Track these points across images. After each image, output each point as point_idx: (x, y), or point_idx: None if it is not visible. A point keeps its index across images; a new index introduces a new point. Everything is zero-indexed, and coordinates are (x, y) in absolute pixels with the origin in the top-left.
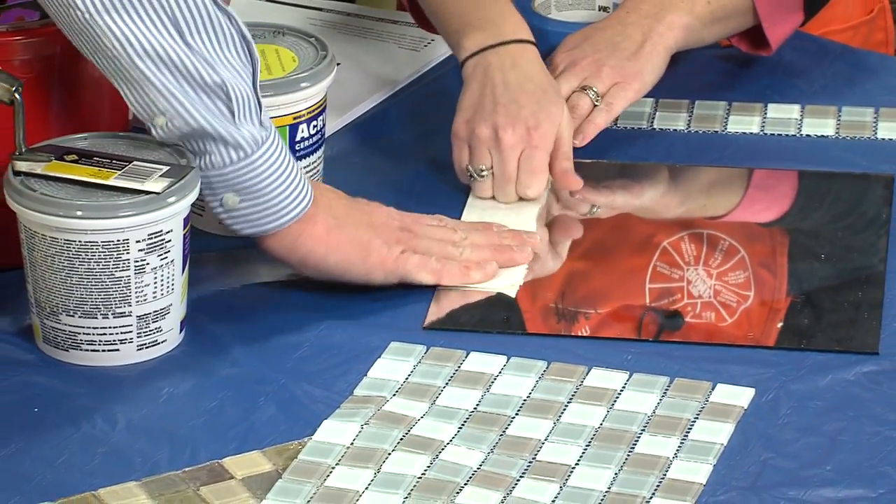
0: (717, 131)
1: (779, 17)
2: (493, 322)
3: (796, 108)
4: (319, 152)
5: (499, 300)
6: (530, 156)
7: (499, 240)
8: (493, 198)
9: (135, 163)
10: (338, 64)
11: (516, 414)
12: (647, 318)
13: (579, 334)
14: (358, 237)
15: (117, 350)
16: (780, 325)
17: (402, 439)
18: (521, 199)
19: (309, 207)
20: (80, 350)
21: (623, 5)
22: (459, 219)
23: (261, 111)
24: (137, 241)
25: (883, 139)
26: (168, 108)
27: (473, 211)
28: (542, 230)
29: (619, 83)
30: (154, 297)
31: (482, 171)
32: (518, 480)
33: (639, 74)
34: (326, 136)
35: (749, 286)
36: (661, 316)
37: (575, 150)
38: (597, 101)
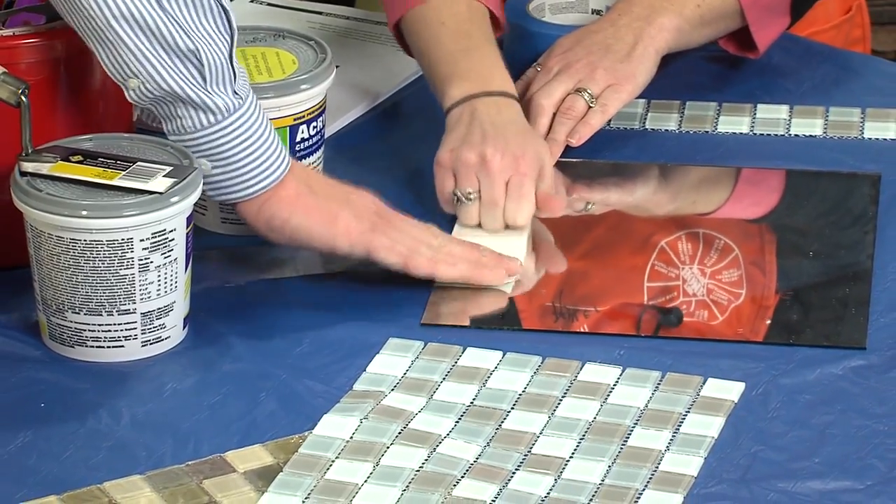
0: (707, 131)
1: (766, 20)
2: (489, 319)
3: (785, 108)
4: (319, 153)
5: (495, 297)
6: (518, 183)
7: (476, 256)
8: (479, 225)
9: (139, 163)
10: (337, 66)
11: (512, 408)
12: (645, 315)
13: (581, 329)
14: (327, 206)
15: (122, 346)
16: (768, 321)
17: (400, 433)
18: (507, 226)
19: (281, 178)
20: (86, 346)
21: (614, 8)
22: (456, 220)
23: (236, 80)
24: (141, 240)
25: (869, 139)
26: (141, 70)
27: (462, 235)
28: (529, 258)
29: (612, 85)
30: (158, 294)
31: (469, 194)
32: (514, 473)
33: (632, 76)
34: (326, 137)
35: (741, 284)
36: (660, 313)
37: (569, 149)
38: (591, 102)
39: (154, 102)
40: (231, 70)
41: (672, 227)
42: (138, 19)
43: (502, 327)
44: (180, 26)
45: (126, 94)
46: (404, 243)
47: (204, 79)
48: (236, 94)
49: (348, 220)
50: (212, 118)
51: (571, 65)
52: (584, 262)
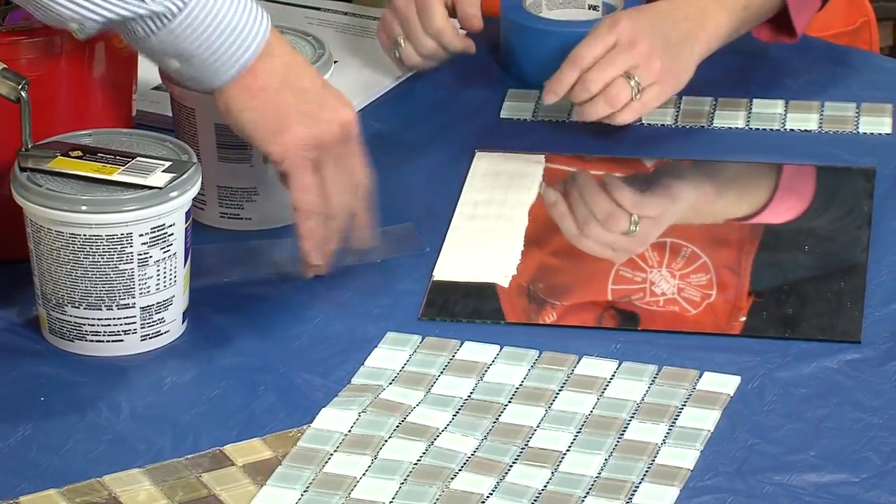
0: (703, 126)
1: (803, 3)
2: (486, 312)
3: (780, 103)
4: None
5: (491, 291)
6: None
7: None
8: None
9: (138, 158)
10: (335, 62)
11: (509, 402)
12: (606, 314)
13: (546, 321)
14: (286, 113)
15: (121, 340)
16: (742, 319)
17: (398, 427)
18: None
19: (249, 62)
20: (86, 340)
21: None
22: (453, 214)
23: None
24: (141, 235)
25: (864, 133)
26: (74, 16)
27: (458, 233)
28: (621, 214)
29: (658, 82)
30: (157, 288)
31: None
32: (511, 466)
33: (677, 78)
34: None
35: (711, 286)
36: (620, 315)
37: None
38: (635, 93)
39: (100, 29)
40: None
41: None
42: None
43: (499, 321)
44: None
45: (73, 34)
46: (313, 193)
47: None
48: None
49: (296, 134)
50: (159, 22)
51: (637, 43)
52: (555, 259)
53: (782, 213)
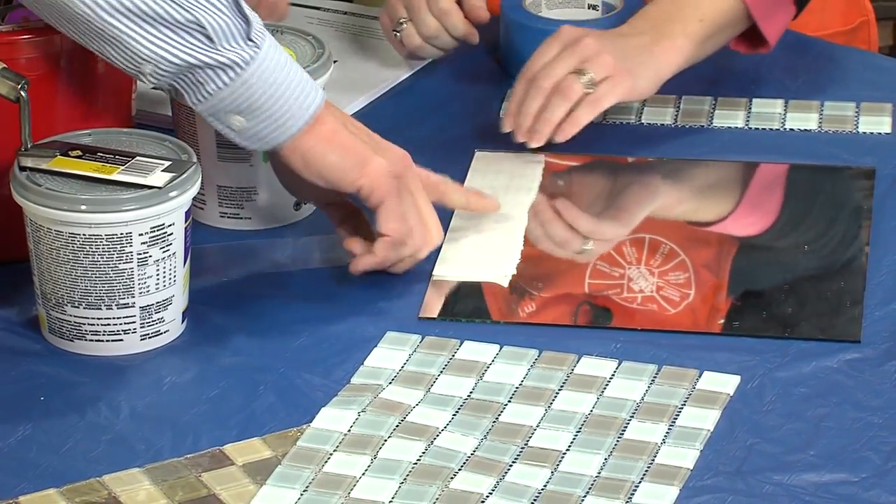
0: (703, 125)
1: (772, 12)
2: (472, 311)
3: (780, 102)
4: None
5: (508, 290)
6: None
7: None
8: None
9: (137, 158)
10: (335, 62)
11: (509, 401)
12: (581, 308)
13: (525, 311)
14: (363, 148)
15: (121, 340)
16: (721, 321)
17: (397, 426)
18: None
19: (316, 113)
20: (85, 340)
21: (620, 27)
22: (453, 214)
23: (248, 28)
24: (140, 235)
25: (864, 133)
26: (151, 55)
27: (458, 231)
28: (533, 221)
29: (613, 76)
30: (157, 288)
31: (402, 21)
32: (511, 466)
33: (633, 74)
34: None
35: (690, 286)
36: (594, 309)
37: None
38: (589, 88)
39: (173, 78)
40: (240, 21)
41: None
42: (131, 8)
43: (498, 320)
44: (176, 3)
45: (143, 80)
46: (401, 220)
47: (213, 41)
48: (251, 41)
49: (380, 164)
50: (232, 74)
51: (580, 41)
52: (537, 249)
53: (744, 226)
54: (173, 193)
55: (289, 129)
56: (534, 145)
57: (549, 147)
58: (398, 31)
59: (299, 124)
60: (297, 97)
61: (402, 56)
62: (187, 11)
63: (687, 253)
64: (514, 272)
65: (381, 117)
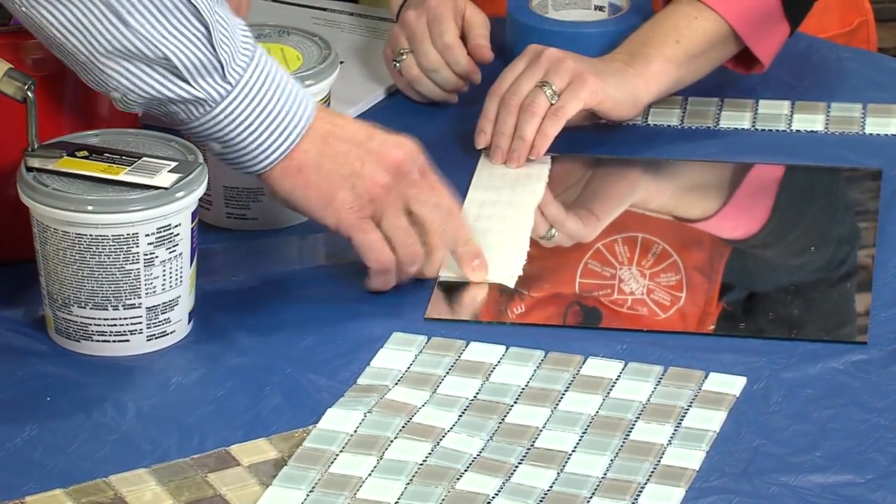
0: (709, 127)
1: (762, 33)
2: (492, 313)
3: (786, 104)
4: None
5: (498, 291)
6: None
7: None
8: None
9: (144, 158)
10: (341, 62)
11: (515, 402)
12: (571, 309)
13: (514, 312)
14: (328, 185)
15: (127, 341)
16: (711, 326)
17: (403, 427)
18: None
19: (290, 149)
20: (92, 341)
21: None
22: (464, 200)
23: (223, 67)
24: (147, 235)
25: (870, 134)
26: (118, 85)
27: (475, 194)
28: (541, 221)
29: (573, 82)
30: (163, 289)
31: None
32: (517, 467)
33: (599, 77)
34: None
35: (681, 288)
36: (583, 311)
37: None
38: (553, 99)
39: (144, 107)
40: (215, 60)
41: (611, 231)
42: (101, 40)
43: (505, 321)
44: (145, 38)
45: (114, 103)
46: (394, 237)
47: (183, 78)
48: (225, 79)
49: (343, 200)
50: (202, 109)
51: (543, 53)
52: (530, 248)
53: (731, 227)
54: (180, 194)
55: (259, 164)
56: (513, 167)
57: (556, 148)
58: (398, 62)
59: (268, 161)
60: (272, 134)
61: (400, 87)
62: (157, 48)
63: (679, 254)
64: (521, 273)
65: (387, 118)
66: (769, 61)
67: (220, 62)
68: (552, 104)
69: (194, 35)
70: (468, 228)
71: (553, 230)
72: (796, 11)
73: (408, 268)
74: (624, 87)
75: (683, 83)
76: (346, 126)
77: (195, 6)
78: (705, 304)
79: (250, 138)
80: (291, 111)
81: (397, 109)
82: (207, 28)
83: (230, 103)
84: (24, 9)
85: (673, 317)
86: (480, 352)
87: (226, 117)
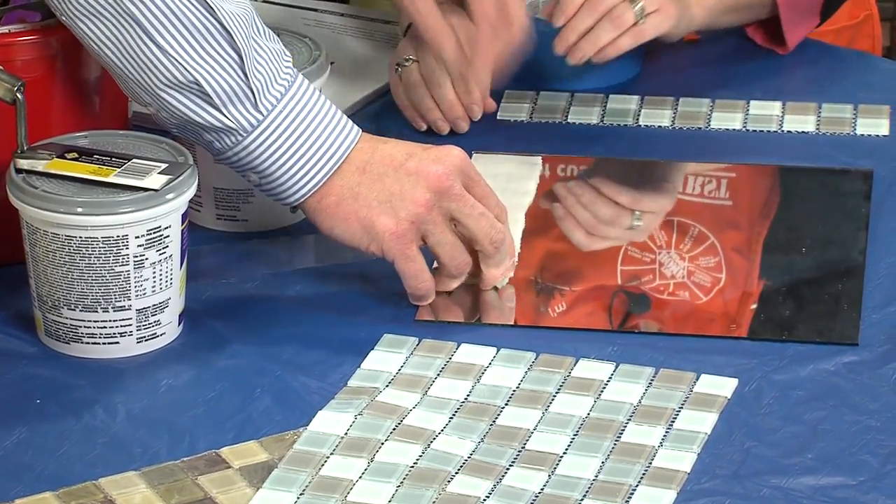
0: (700, 128)
1: (798, 19)
2: (483, 314)
3: (777, 105)
4: None
5: (489, 292)
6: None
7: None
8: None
9: (134, 160)
10: (331, 63)
11: (506, 404)
12: (616, 299)
13: (556, 310)
14: (367, 212)
15: (117, 343)
16: (753, 306)
17: (394, 429)
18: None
19: (324, 181)
20: (81, 343)
21: None
22: None
23: (255, 96)
24: (136, 237)
25: (862, 135)
26: (151, 102)
27: None
28: (622, 211)
29: (661, 10)
30: (153, 291)
31: (407, 59)
32: (508, 469)
33: (678, 14)
34: None
35: (720, 269)
36: (630, 298)
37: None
38: (639, 17)
39: (178, 128)
40: (247, 87)
41: None
42: (135, 62)
43: (495, 323)
44: (175, 60)
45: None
46: (421, 277)
47: (213, 105)
48: (257, 108)
49: (385, 226)
50: (233, 138)
51: None
52: (561, 244)
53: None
54: (170, 196)
55: (293, 195)
56: (571, 62)
57: (547, 149)
58: (400, 68)
59: (302, 192)
60: (305, 165)
61: (396, 97)
62: (188, 72)
63: (716, 236)
64: (511, 274)
65: (377, 119)
66: (793, 46)
67: (251, 90)
68: (636, 23)
69: (226, 61)
70: (512, 241)
71: (638, 216)
72: (830, 7)
73: (456, 280)
74: (686, 14)
75: (713, 28)
76: (385, 150)
77: (228, 32)
78: (746, 283)
79: (282, 169)
80: (327, 143)
81: (387, 110)
82: (240, 55)
83: (261, 133)
84: (65, 18)
85: (714, 298)
86: (471, 354)
87: (257, 147)
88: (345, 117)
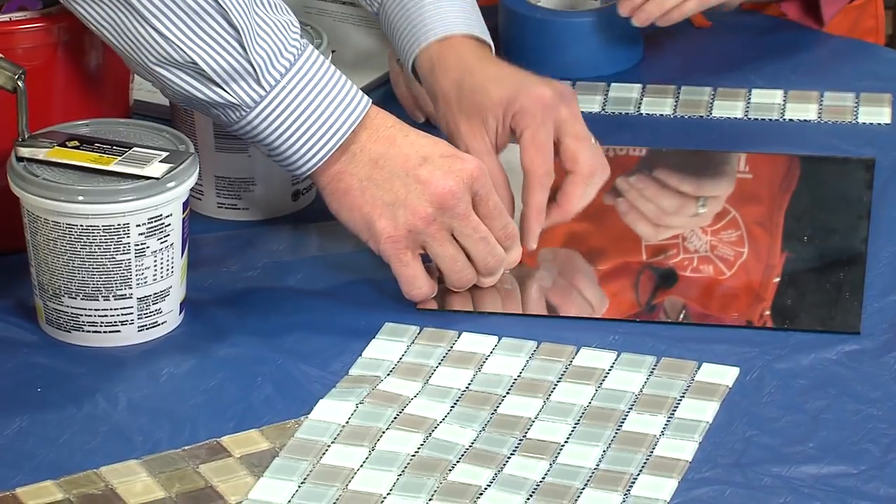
0: (702, 116)
1: None
2: (485, 303)
3: (779, 93)
4: None
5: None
6: None
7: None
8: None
9: (135, 149)
10: (333, 51)
11: (507, 393)
12: (643, 275)
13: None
14: (371, 208)
15: (118, 331)
16: (776, 279)
17: (395, 418)
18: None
19: (333, 155)
20: (82, 331)
21: None
22: None
23: (257, 72)
24: (138, 225)
25: (863, 123)
26: (154, 81)
27: None
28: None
29: None
30: (154, 279)
31: None
32: (509, 458)
33: None
34: None
35: (742, 243)
36: (657, 274)
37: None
38: None
39: (185, 103)
40: (247, 63)
41: None
42: (134, 43)
43: (497, 311)
44: (172, 41)
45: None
46: (418, 283)
47: (214, 82)
48: (259, 84)
49: (382, 228)
50: (237, 113)
51: None
52: (583, 224)
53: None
54: (171, 184)
55: (301, 167)
56: (636, 23)
57: None
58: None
59: (309, 165)
60: (311, 138)
61: (395, 88)
62: (184, 52)
63: (737, 210)
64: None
65: (380, 105)
66: (829, 21)
67: (253, 67)
68: None
69: (224, 39)
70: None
71: (702, 202)
72: None
73: (457, 290)
74: None
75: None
76: (402, 148)
77: (224, 9)
78: (768, 256)
79: (289, 142)
80: (333, 116)
81: (388, 100)
82: (238, 31)
83: (265, 108)
84: (65, 1)
85: (738, 272)
86: (472, 342)
87: (261, 122)
88: (354, 88)
